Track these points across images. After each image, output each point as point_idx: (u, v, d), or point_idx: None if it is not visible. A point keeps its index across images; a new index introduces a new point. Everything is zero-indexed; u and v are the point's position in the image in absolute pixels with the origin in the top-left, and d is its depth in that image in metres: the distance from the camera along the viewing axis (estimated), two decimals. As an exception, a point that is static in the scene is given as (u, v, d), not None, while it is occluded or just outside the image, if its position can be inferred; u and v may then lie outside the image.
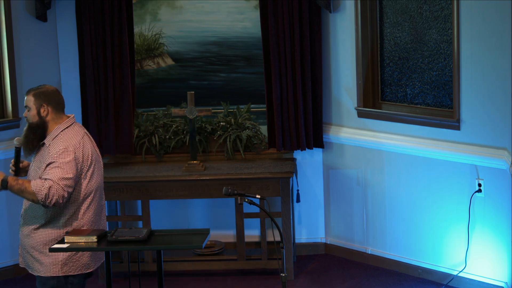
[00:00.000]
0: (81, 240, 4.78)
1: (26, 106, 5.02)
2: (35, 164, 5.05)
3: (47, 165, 4.90)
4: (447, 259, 6.61)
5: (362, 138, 7.00)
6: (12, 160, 5.13)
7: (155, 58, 7.37)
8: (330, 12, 6.99)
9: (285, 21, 6.93)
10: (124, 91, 7.05)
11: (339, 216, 7.26)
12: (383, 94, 7.03)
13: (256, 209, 6.69)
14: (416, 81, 6.80)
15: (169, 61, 7.37)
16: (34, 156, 5.08)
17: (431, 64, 6.68)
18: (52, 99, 5.00)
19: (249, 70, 7.34)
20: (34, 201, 4.87)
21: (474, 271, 6.46)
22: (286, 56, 6.98)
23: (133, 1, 7.13)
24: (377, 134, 6.92)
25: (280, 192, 6.76)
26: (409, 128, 6.71)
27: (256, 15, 7.18)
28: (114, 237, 4.74)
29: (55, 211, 4.97)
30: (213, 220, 7.38)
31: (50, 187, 4.82)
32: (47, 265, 4.99)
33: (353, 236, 7.20)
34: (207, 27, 7.30)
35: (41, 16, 7.00)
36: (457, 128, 6.42)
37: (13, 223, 6.99)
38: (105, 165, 7.17)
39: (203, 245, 4.71)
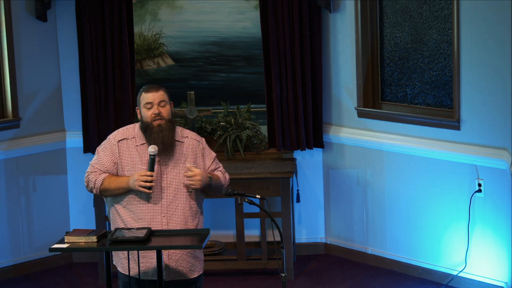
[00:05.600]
0: (81, 240, 4.77)
1: (162, 101, 4.73)
2: (170, 165, 4.82)
3: (213, 161, 4.93)
4: (447, 259, 6.61)
5: (362, 138, 7.00)
6: (149, 172, 4.71)
7: (155, 58, 7.36)
8: (330, 12, 6.99)
9: (285, 21, 6.93)
10: (124, 91, 7.05)
11: (339, 216, 7.26)
12: (383, 94, 7.03)
13: (256, 209, 6.69)
14: (416, 81, 6.80)
15: (169, 61, 7.37)
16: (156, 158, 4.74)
17: (431, 64, 6.68)
18: None
19: (249, 70, 7.34)
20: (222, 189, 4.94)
21: (474, 271, 6.46)
22: (286, 56, 6.98)
23: (133, 1, 7.13)
24: (377, 134, 6.92)
25: (280, 192, 6.75)
26: (409, 128, 6.71)
27: (256, 15, 7.18)
28: (114, 237, 4.73)
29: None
30: (213, 220, 7.37)
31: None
32: (202, 258, 5.04)
33: (353, 236, 7.19)
34: (207, 27, 7.30)
35: (41, 16, 7.00)
36: (457, 128, 6.41)
37: (13, 223, 6.99)
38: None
39: (203, 245, 4.70)
